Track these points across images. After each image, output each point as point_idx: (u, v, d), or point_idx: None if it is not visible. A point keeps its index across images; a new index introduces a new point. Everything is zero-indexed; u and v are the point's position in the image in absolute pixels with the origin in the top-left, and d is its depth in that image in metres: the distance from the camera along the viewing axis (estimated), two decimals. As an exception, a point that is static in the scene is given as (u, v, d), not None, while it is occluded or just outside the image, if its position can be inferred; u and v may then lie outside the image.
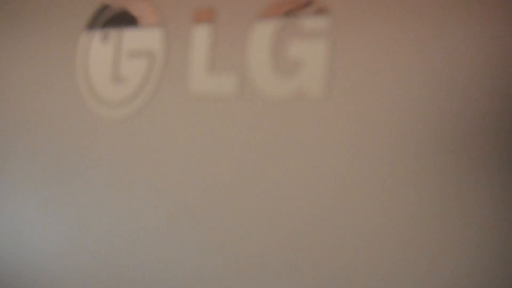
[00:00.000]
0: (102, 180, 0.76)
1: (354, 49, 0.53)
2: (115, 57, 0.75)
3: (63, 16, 0.84)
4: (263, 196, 0.59)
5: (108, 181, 0.75)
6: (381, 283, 0.51)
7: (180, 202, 0.66)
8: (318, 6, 0.55)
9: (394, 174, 0.51)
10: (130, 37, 0.73)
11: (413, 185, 0.51)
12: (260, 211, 0.59)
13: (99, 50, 0.77)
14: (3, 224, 0.91)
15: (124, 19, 0.75)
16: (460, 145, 0.49)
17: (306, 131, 0.55)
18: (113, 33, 0.75)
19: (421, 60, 0.50)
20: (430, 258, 0.50)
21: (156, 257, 0.68)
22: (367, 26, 0.52)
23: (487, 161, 0.47)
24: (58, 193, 0.81)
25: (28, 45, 0.89)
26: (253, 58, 0.59)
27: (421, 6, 0.50)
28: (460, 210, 0.48)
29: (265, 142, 0.59)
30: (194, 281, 0.64)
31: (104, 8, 0.77)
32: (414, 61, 0.50)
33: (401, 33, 0.51)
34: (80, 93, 0.80)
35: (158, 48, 0.69)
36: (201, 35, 0.65)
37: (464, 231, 0.50)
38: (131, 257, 0.71)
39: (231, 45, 0.62)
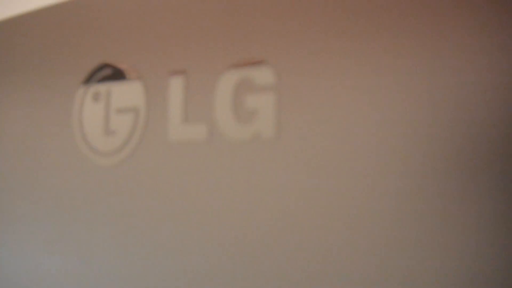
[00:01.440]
0: (97, 219, 0.87)
1: (298, 98, 0.66)
2: (106, 114, 0.88)
3: (64, 72, 0.96)
4: (227, 219, 0.71)
5: (102, 219, 0.86)
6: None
7: (164, 233, 0.77)
8: (266, 65, 0.69)
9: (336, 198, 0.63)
10: (117, 94, 0.87)
11: (352, 216, 0.63)
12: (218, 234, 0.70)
13: (91, 107, 0.91)
14: (14, 263, 1.01)
15: (114, 77, 0.88)
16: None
17: (262, 166, 0.68)
18: (103, 91, 0.89)
19: (358, 101, 0.63)
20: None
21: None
22: (308, 80, 0.66)
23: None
24: (61, 232, 0.92)
25: (29, 101, 1.03)
26: (219, 110, 0.73)
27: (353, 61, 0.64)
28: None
29: (231, 177, 0.71)
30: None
31: (102, 67, 0.90)
32: (354, 104, 0.63)
33: (338, 84, 0.64)
34: (77, 144, 0.93)
35: (141, 104, 0.83)
36: (176, 90, 0.78)
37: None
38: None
39: (201, 100, 0.75)
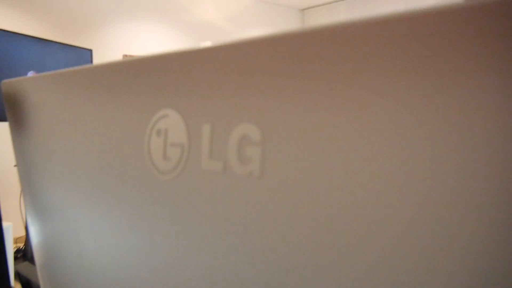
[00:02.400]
0: (157, 221, 1.30)
1: (278, 151, 1.02)
2: (164, 146, 1.30)
3: (139, 110, 1.40)
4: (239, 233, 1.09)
5: (160, 222, 1.29)
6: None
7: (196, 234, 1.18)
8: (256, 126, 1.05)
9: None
10: (171, 133, 1.28)
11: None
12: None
13: (155, 139, 1.33)
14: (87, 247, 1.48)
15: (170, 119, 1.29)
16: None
17: (252, 195, 1.05)
18: (163, 130, 1.30)
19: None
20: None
21: None
22: (288, 138, 1.01)
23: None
24: (128, 228, 1.37)
25: (117, 128, 1.47)
26: (230, 154, 1.11)
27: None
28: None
29: (236, 200, 1.09)
30: None
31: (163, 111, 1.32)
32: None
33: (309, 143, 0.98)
34: (146, 162, 1.36)
35: (185, 143, 1.23)
36: (206, 137, 1.17)
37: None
38: None
39: (219, 147, 1.14)
